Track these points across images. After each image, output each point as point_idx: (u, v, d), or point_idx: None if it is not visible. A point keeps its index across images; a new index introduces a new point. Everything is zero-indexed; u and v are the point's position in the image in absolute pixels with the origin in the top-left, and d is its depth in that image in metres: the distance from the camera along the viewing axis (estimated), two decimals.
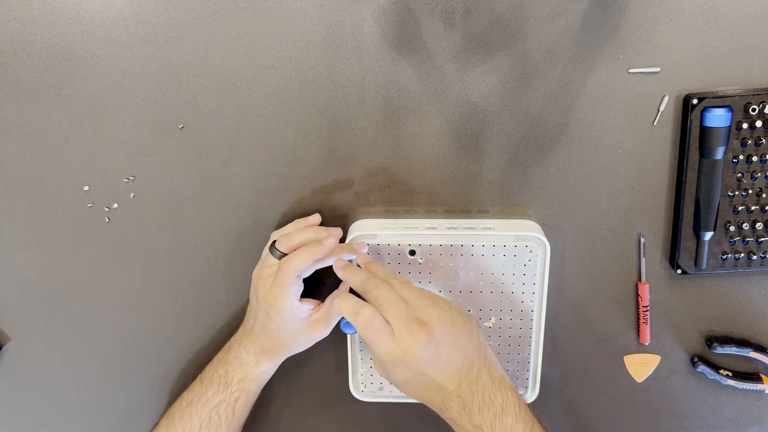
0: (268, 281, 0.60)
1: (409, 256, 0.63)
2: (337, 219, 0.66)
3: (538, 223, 0.65)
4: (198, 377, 0.65)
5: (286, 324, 0.61)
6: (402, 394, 0.68)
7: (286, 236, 0.61)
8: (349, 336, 0.67)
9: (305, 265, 0.58)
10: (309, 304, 0.62)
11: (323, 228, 0.62)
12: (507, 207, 0.65)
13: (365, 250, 0.63)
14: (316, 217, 0.64)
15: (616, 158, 0.63)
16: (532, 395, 0.68)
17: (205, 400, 0.63)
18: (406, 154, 0.64)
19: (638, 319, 0.68)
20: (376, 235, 0.63)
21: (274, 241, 0.61)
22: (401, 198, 0.65)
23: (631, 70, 0.60)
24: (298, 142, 0.64)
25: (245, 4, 0.59)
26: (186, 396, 0.65)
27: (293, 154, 0.64)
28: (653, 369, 0.70)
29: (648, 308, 0.67)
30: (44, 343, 0.72)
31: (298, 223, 0.64)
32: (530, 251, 0.62)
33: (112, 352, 0.72)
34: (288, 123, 0.63)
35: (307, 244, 0.59)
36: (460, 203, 0.65)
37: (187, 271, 0.69)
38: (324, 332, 0.63)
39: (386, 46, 0.60)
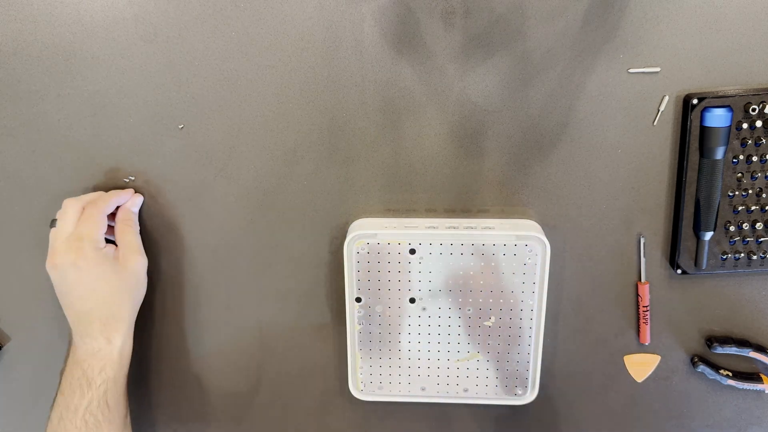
0: (60, 241, 0.61)
1: (409, 255, 0.63)
2: (338, 218, 0.66)
3: (538, 223, 0.65)
4: (58, 392, 0.63)
5: (101, 267, 0.61)
6: (402, 393, 0.68)
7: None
8: (348, 335, 0.67)
9: (108, 201, 0.62)
10: (111, 246, 0.63)
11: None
12: (507, 207, 0.65)
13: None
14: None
15: (616, 158, 0.63)
16: (531, 395, 0.68)
17: (74, 409, 0.60)
18: (406, 154, 0.64)
19: (638, 319, 0.68)
20: (376, 234, 0.63)
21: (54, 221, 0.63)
22: (401, 197, 0.65)
23: (631, 70, 0.60)
24: (298, 142, 0.64)
25: (245, 4, 0.59)
26: (54, 414, 0.62)
27: (293, 154, 0.64)
28: (653, 369, 0.70)
29: (648, 308, 0.67)
30: (44, 343, 0.72)
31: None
32: (530, 251, 0.62)
33: None
34: (288, 123, 0.63)
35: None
36: (460, 203, 0.65)
37: (186, 270, 0.69)
38: (137, 259, 0.64)
39: (386, 46, 0.60)
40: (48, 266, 0.61)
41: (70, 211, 0.61)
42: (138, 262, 0.64)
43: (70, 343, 0.64)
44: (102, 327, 0.62)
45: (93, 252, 0.60)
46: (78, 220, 0.61)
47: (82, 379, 0.61)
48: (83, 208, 0.62)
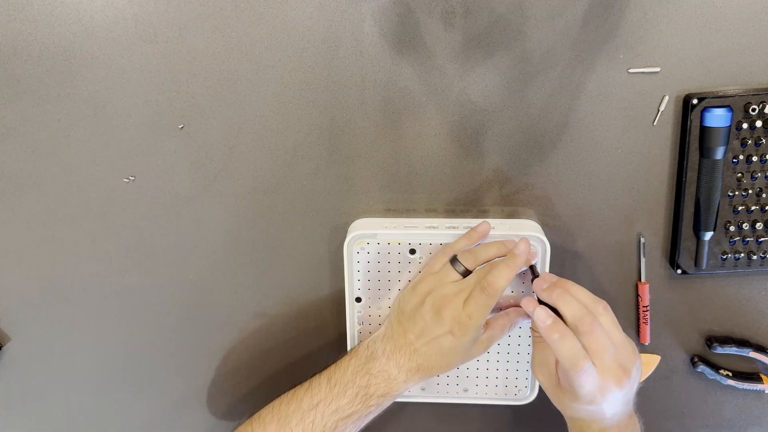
0: (457, 299, 0.57)
1: (409, 255, 0.63)
2: (338, 218, 0.66)
3: (538, 223, 0.65)
4: (323, 380, 0.59)
5: (465, 344, 0.58)
6: (402, 393, 0.68)
7: (469, 252, 0.59)
8: (348, 335, 0.67)
9: (509, 282, 0.57)
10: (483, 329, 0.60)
11: (501, 241, 0.61)
12: (507, 207, 0.65)
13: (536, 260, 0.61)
14: (486, 226, 0.61)
15: (616, 158, 0.63)
16: (531, 395, 0.68)
17: (335, 408, 0.57)
18: (406, 154, 0.64)
19: (638, 319, 0.68)
20: (376, 234, 0.63)
21: (454, 257, 0.59)
22: (401, 197, 0.65)
23: (631, 70, 0.60)
24: (298, 142, 0.64)
25: (245, 4, 0.59)
26: (308, 397, 0.59)
27: (293, 154, 0.64)
28: (653, 369, 0.70)
29: (648, 308, 0.67)
30: (44, 343, 0.72)
31: (471, 236, 0.61)
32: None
33: (111, 352, 0.72)
34: (288, 123, 0.63)
35: (504, 259, 0.58)
36: (460, 203, 0.65)
37: (186, 271, 0.69)
38: (482, 353, 0.62)
39: (386, 46, 0.60)
40: (417, 296, 0.59)
41: (482, 271, 0.58)
42: (483, 352, 0.62)
43: (367, 346, 0.61)
44: (414, 371, 0.59)
45: (473, 334, 0.57)
46: (475, 298, 0.56)
47: (363, 390, 0.58)
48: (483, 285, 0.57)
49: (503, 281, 0.57)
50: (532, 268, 0.61)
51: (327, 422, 0.57)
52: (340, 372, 0.60)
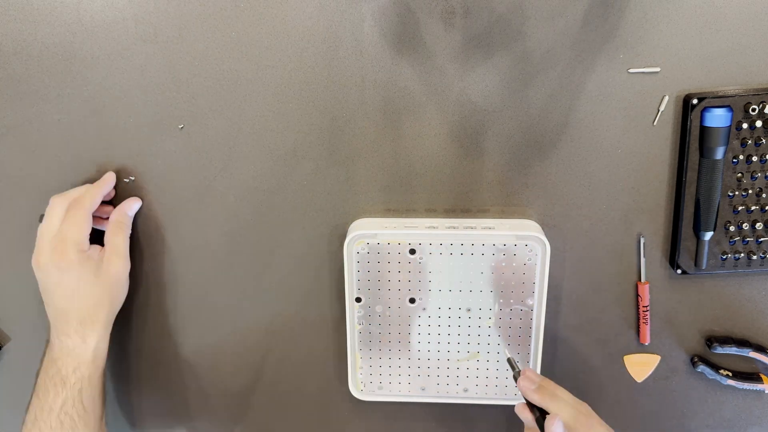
0: (45, 240, 0.61)
1: (409, 255, 0.63)
2: (338, 218, 0.66)
3: (538, 223, 0.65)
4: (33, 394, 0.63)
5: (82, 270, 0.61)
6: (402, 393, 0.68)
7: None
8: (348, 336, 0.67)
9: (94, 198, 0.62)
10: (95, 247, 0.63)
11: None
12: (507, 207, 0.65)
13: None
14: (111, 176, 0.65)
15: (616, 158, 0.63)
16: None
17: (48, 409, 0.60)
18: (406, 154, 0.64)
19: (638, 319, 0.68)
20: (376, 234, 0.63)
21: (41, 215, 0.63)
22: (401, 197, 0.65)
23: (631, 70, 0.60)
24: (298, 142, 0.64)
25: (245, 4, 0.59)
26: (29, 416, 0.62)
27: (293, 154, 0.64)
28: (653, 369, 0.70)
29: (648, 308, 0.67)
30: (44, 343, 0.72)
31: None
32: (530, 251, 0.62)
33: (111, 353, 0.72)
34: (288, 123, 0.63)
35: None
36: (460, 203, 0.65)
37: (186, 271, 0.69)
38: (120, 264, 0.64)
39: (386, 46, 0.60)
40: (33, 264, 0.62)
41: (57, 209, 0.62)
42: (120, 267, 0.64)
43: (47, 342, 0.64)
44: (78, 326, 0.62)
45: (76, 254, 0.61)
46: (63, 219, 0.61)
47: (56, 377, 0.61)
48: (68, 206, 0.62)
49: (91, 194, 0.63)
50: (509, 361, 0.62)
51: (51, 425, 0.60)
52: (40, 377, 0.62)
